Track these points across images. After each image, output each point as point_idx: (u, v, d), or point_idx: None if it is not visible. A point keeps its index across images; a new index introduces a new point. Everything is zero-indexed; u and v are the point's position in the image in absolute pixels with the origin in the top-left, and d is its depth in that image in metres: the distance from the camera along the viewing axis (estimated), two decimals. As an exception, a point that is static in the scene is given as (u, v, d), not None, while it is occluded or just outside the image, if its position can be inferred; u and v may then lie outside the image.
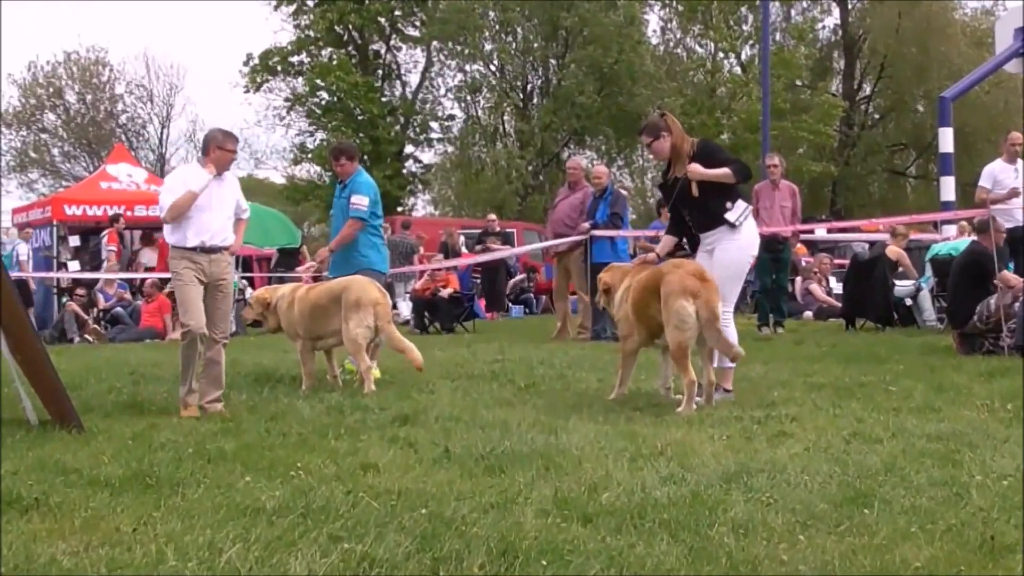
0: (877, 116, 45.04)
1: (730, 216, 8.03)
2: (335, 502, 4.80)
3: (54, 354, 7.90)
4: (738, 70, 41.55)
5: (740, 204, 8.11)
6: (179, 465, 5.73)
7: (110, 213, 20.72)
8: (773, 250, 14.31)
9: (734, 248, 8.14)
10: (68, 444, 6.49)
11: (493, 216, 26.05)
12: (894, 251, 15.44)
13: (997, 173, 13.16)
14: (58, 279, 20.51)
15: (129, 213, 21.06)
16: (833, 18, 44.16)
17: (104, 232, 20.27)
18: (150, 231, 21.12)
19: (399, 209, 39.17)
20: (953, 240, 16.07)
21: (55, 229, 21.21)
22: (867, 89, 44.74)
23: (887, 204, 42.49)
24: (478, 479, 5.28)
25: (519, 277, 26.02)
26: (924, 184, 43.77)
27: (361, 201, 10.44)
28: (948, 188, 21.87)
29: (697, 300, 7.39)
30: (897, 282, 15.76)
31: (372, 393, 8.77)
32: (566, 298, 15.80)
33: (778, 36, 40.33)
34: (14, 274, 16.35)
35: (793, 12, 42.67)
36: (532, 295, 26.16)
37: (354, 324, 9.09)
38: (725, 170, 7.94)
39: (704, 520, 4.39)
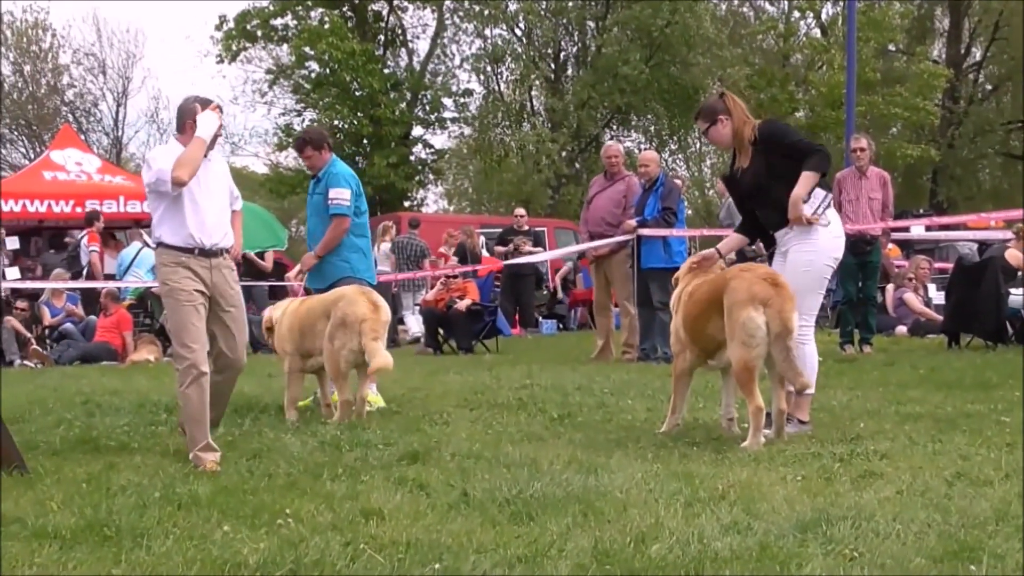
0: (989, 87, 44.92)
1: (808, 207, 8.03)
2: (331, 556, 4.83)
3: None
4: (817, 33, 41.43)
5: (818, 193, 8.12)
6: (143, 512, 5.75)
7: (88, 209, 20.81)
8: (860, 252, 14.15)
9: (812, 249, 8.14)
10: (8, 489, 6.48)
11: (522, 211, 25.95)
12: (1015, 255, 15.33)
13: None
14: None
15: (79, 210, 21.11)
16: (935, -31, 44.10)
17: (83, 232, 20.34)
18: (109, 231, 21.17)
19: (406, 204, 39.25)
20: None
21: (-11, 230, 21.26)
22: (977, 54, 44.60)
23: (1001, 195, 42.31)
24: (502, 528, 5.30)
25: (565, 270, 26.07)
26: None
27: (341, 195, 10.54)
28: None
29: (768, 309, 7.38)
30: (1013, 291, 15.71)
31: (363, 423, 8.92)
32: (608, 311, 15.74)
33: (867, -8, 40.29)
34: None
35: (886, -38, 42.61)
36: (567, 307, 26.23)
37: (337, 345, 9.26)
38: (804, 175, 7.96)
39: (775, 577, 4.42)
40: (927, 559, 4.61)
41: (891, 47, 40.66)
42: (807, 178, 7.93)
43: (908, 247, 22.41)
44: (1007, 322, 15.28)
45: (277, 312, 10.14)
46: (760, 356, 7.47)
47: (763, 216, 8.37)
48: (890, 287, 19.13)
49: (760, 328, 7.37)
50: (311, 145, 10.85)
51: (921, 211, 30.95)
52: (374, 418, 9.23)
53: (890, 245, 20.56)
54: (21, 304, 19.36)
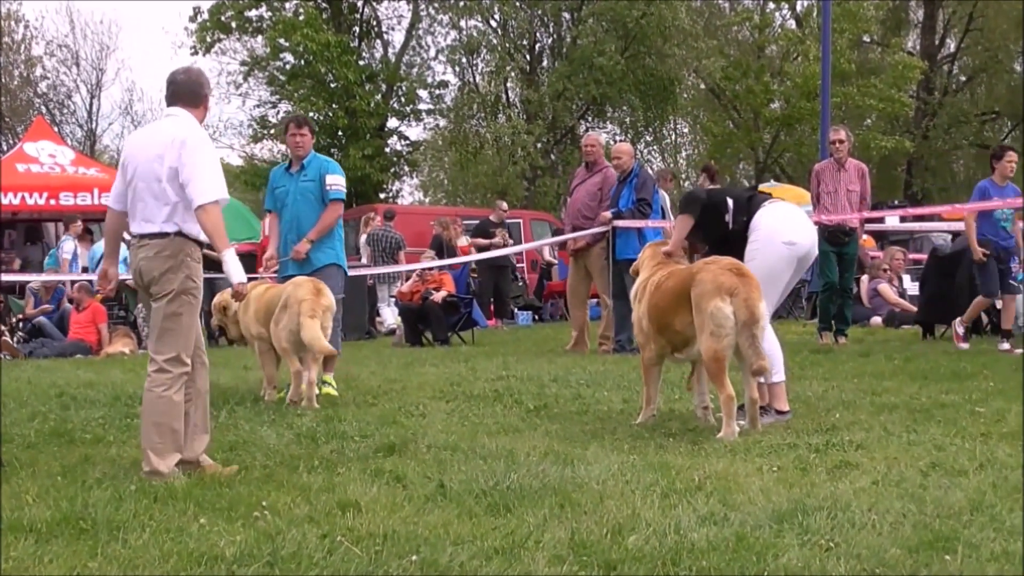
0: (964, 79, 45.08)
1: (728, 219, 8.51)
2: (308, 548, 4.84)
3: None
4: (792, 24, 41.54)
5: (728, 204, 8.55)
6: (119, 505, 5.75)
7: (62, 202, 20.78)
8: (838, 243, 14.19)
9: (763, 239, 8.35)
10: (-16, 481, 6.52)
11: (504, 204, 25.90)
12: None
13: None
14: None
15: (53, 202, 21.02)
16: (909, -42, 44.23)
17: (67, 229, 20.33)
18: (83, 224, 21.06)
19: (382, 196, 39.20)
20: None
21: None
22: (951, 46, 44.74)
23: (972, 188, 42.40)
24: (479, 520, 5.32)
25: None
26: (1022, 161, 43.66)
27: (339, 181, 10.83)
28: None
29: (735, 299, 7.45)
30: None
31: (296, 400, 9.38)
32: (584, 303, 15.71)
33: (842, -18, 40.37)
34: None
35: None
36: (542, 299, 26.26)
37: (281, 325, 9.80)
38: (678, 221, 8.80)
39: (751, 568, 4.44)
40: (902, 549, 4.64)
41: (866, 38, 40.77)
42: (678, 225, 8.85)
43: (883, 238, 22.48)
44: (982, 313, 15.35)
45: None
46: (729, 346, 7.52)
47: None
48: (865, 278, 19.15)
49: (729, 318, 7.44)
50: (309, 126, 11.16)
51: (896, 202, 31.09)
52: (350, 410, 9.22)
53: (864, 236, 20.62)
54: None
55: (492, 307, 23.21)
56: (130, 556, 4.79)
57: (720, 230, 8.54)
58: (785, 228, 8.40)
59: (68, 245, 20.45)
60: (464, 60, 41.94)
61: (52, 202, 21.00)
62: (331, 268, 10.73)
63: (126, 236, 7.36)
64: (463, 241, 23.35)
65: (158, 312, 6.96)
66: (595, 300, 16.18)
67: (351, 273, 15.39)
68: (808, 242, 8.56)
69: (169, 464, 6.71)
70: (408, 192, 46.57)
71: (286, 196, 10.99)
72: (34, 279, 20.11)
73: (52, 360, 16.62)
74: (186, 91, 7.26)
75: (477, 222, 24.93)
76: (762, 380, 8.03)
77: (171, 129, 7.04)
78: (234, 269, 7.13)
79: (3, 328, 18.56)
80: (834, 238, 13.89)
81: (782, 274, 8.41)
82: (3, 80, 45.33)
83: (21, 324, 19.21)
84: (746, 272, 7.66)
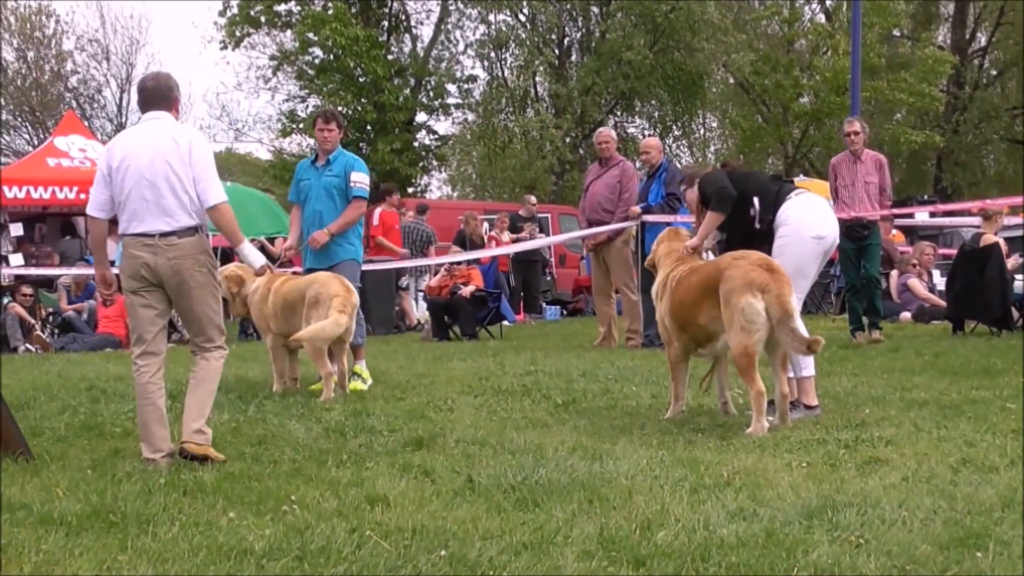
0: (995, 73, 44.86)
1: (758, 224, 8.50)
2: (337, 542, 4.84)
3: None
4: (822, 18, 41.42)
5: (755, 203, 8.51)
6: (148, 499, 5.77)
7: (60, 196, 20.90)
8: (857, 237, 13.97)
9: (790, 234, 8.35)
10: (14, 475, 6.52)
11: (532, 199, 25.90)
12: (989, 239, 15.18)
13: None
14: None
15: (83, 196, 21.06)
16: (940, -48, 44.01)
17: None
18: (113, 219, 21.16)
19: (410, 190, 39.19)
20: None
21: (-10, 215, 21.32)
22: (982, 40, 44.53)
23: (1006, 181, 42.26)
24: (507, 515, 5.32)
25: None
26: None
27: (363, 179, 10.91)
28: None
29: (766, 295, 7.44)
30: (1018, 277, 15.69)
31: (329, 401, 9.32)
32: (610, 298, 15.70)
33: (873, -23, 40.20)
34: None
35: (891, -54, 42.48)
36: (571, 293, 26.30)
37: (316, 322, 9.79)
38: (705, 221, 8.64)
39: (780, 564, 4.43)
40: (933, 546, 4.62)
41: (896, 32, 40.59)
42: (705, 223, 8.65)
43: (913, 233, 22.39)
44: (1012, 308, 15.28)
45: (252, 284, 10.66)
46: (760, 341, 7.52)
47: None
48: (894, 273, 19.09)
49: (760, 314, 7.44)
50: (337, 121, 11.25)
51: (926, 197, 30.94)
52: (378, 404, 9.23)
53: (894, 231, 20.55)
54: (27, 290, 19.36)
55: (521, 302, 23.21)
56: (160, 549, 4.81)
57: (745, 227, 8.54)
58: (813, 221, 8.42)
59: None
60: (493, 54, 41.95)
61: (83, 196, 20.96)
62: (349, 263, 10.89)
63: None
64: (506, 236, 23.34)
65: (199, 303, 7.24)
66: (618, 294, 16.12)
67: (381, 267, 15.44)
68: (834, 234, 8.61)
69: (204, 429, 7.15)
70: (436, 186, 46.73)
71: (309, 189, 11.06)
72: (59, 272, 20.22)
73: (82, 354, 16.71)
74: (159, 95, 7.44)
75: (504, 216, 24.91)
76: (791, 374, 8.06)
77: (169, 131, 7.24)
78: (252, 256, 7.73)
79: (34, 322, 18.69)
80: (852, 232, 13.70)
81: (810, 267, 8.44)
82: (34, 75, 45.57)
83: (51, 318, 19.32)
84: (776, 268, 7.65)
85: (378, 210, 20.50)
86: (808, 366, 8.41)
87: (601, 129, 17.69)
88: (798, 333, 7.49)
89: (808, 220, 8.40)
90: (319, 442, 7.54)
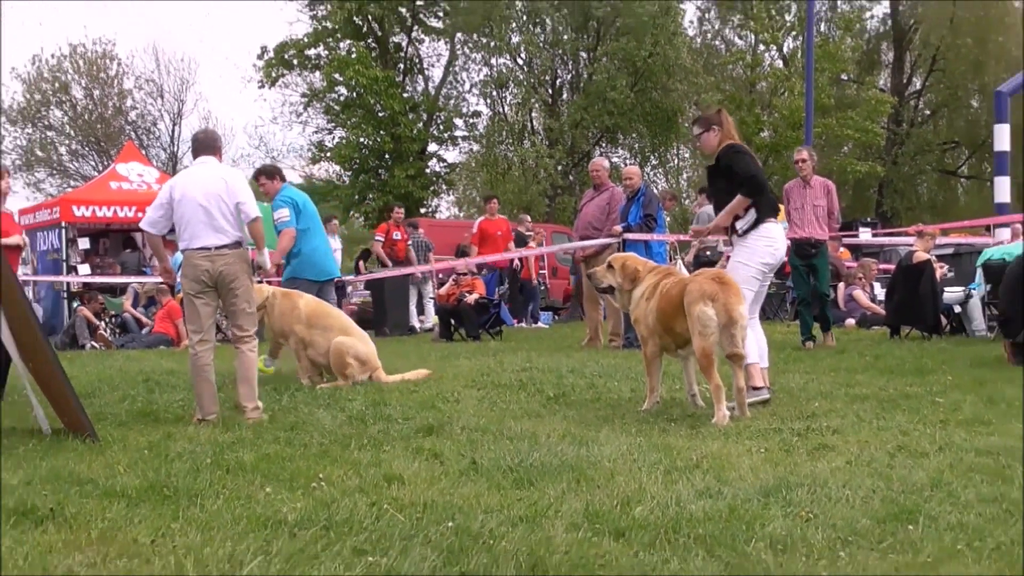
0: (928, 112, 44.82)
1: (738, 224, 8.57)
2: (358, 515, 4.85)
3: (65, 361, 7.96)
4: (780, 64, 41.33)
5: (751, 215, 8.51)
6: (197, 476, 5.78)
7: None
8: (806, 255, 13.82)
9: (746, 252, 8.56)
10: (82, 454, 6.55)
11: (527, 218, 25.89)
12: (920, 255, 15.20)
13: None
14: (68, 283, 20.68)
15: (140, 215, 21.09)
16: (882, 7, 43.98)
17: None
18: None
19: (422, 211, 39.18)
20: (1007, 244, 15.92)
21: (64, 231, 21.34)
22: (918, 84, 44.53)
23: (937, 206, 42.27)
24: (506, 492, 5.32)
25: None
26: (977, 185, 43.46)
27: (282, 214, 11.42)
28: (1003, 189, 21.68)
29: (715, 303, 7.56)
30: (948, 289, 15.71)
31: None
32: (598, 304, 15.69)
33: (823, 27, 40.19)
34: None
35: (839, 1, 42.46)
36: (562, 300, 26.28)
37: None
38: (732, 203, 8.51)
39: (741, 536, 4.43)
40: (872, 520, 4.64)
41: (843, 76, 40.60)
42: (731, 206, 8.53)
43: (857, 250, 22.41)
44: (942, 316, 15.31)
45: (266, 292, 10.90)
46: (715, 343, 7.62)
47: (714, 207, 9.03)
48: (841, 285, 19.12)
49: (712, 319, 7.56)
50: (264, 175, 11.94)
51: (868, 220, 30.94)
52: (394, 396, 9.24)
53: (841, 249, 20.57)
54: (100, 298, 19.45)
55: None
56: (206, 519, 4.82)
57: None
58: (767, 251, 8.59)
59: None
60: (494, 93, 41.94)
61: (140, 215, 20.94)
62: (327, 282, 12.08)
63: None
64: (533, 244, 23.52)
65: (241, 300, 8.30)
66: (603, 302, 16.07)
67: (392, 274, 15.64)
68: (781, 257, 8.89)
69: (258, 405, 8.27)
70: (445, 207, 46.54)
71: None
72: (121, 281, 20.23)
73: (139, 351, 16.72)
74: (208, 145, 8.59)
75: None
76: (751, 363, 8.17)
77: (217, 171, 8.37)
78: (265, 260, 8.93)
79: (99, 324, 18.72)
80: (802, 251, 13.60)
81: (755, 283, 8.56)
82: (99, 110, 45.59)
83: (112, 319, 19.36)
84: (727, 280, 7.79)
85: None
86: (763, 358, 8.58)
87: (596, 159, 17.68)
88: (734, 339, 7.60)
89: (765, 249, 8.58)
90: (343, 428, 7.55)
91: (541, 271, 26.16)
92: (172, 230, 8.68)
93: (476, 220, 21.50)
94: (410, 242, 22.14)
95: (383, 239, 21.85)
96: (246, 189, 8.38)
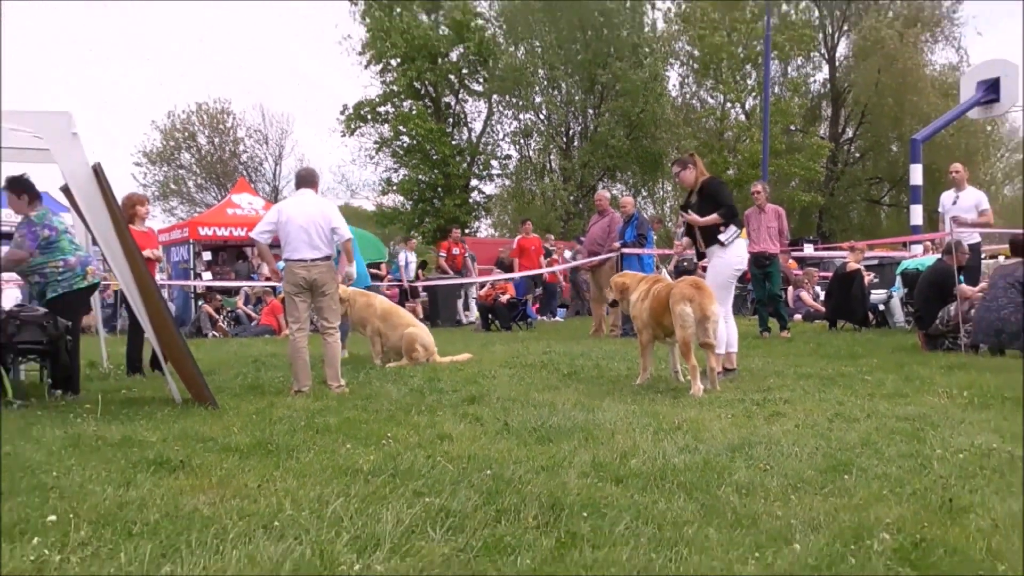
0: (858, 155, 44.37)
1: (721, 236, 8.54)
2: (417, 465, 4.86)
3: (192, 347, 8.01)
4: (742, 117, 41.08)
5: (732, 228, 8.53)
6: (293, 435, 5.81)
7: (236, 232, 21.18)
8: (762, 265, 13.73)
9: (722, 262, 8.56)
10: (205, 418, 6.60)
11: (551, 236, 25.92)
12: (852, 265, 15.20)
13: (943, 198, 13.29)
14: (195, 287, 20.82)
15: (250, 233, 21.29)
16: (823, 73, 43.59)
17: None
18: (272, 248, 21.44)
19: (466, 231, 39.23)
20: (920, 257, 15.85)
21: (191, 247, 21.50)
22: (850, 133, 44.13)
23: (865, 228, 42.02)
24: (531, 447, 5.32)
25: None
26: (896, 211, 42.98)
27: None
28: (917, 215, 21.58)
29: (692, 304, 7.61)
30: (873, 291, 15.69)
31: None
32: (601, 303, 15.70)
33: (776, 89, 39.86)
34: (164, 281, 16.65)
35: (789, 68, 42.15)
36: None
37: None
38: (714, 216, 8.53)
39: (713, 482, 4.42)
40: (815, 471, 4.62)
41: (792, 127, 40.28)
42: (713, 218, 8.57)
43: (803, 262, 22.23)
44: (869, 313, 15.25)
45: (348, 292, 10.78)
46: (692, 334, 7.65)
47: (699, 238, 8.82)
48: (791, 288, 19.03)
49: (689, 316, 7.62)
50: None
51: (811, 238, 30.74)
52: (445, 373, 9.24)
53: (791, 260, 20.48)
54: (219, 298, 19.58)
55: (536, 306, 23.16)
56: (300, 469, 4.84)
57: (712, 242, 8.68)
58: (737, 260, 8.64)
59: (402, 256, 22.43)
60: (522, 141, 41.82)
61: (249, 233, 21.19)
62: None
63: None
64: (568, 254, 23.49)
65: (329, 300, 8.35)
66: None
67: (447, 282, 15.61)
68: (745, 265, 8.93)
69: (341, 382, 8.29)
70: (484, 228, 46.46)
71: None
72: (235, 285, 20.34)
73: (249, 339, 16.81)
74: (308, 180, 8.56)
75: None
76: (719, 352, 8.20)
77: (316, 202, 8.39)
78: (353, 271, 9.04)
79: (218, 318, 18.84)
80: (758, 262, 13.53)
81: (729, 286, 8.60)
82: (218, 153, 45.95)
83: (228, 314, 19.50)
84: (702, 286, 7.82)
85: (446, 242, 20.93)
86: (733, 346, 8.61)
87: (599, 191, 17.70)
88: (707, 332, 7.64)
89: (734, 259, 8.61)
90: (406, 398, 7.57)
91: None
92: (274, 244, 8.72)
93: (516, 237, 21.46)
94: (467, 254, 22.23)
95: (445, 255, 21.94)
96: (339, 216, 8.41)
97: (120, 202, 10.66)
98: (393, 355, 10.67)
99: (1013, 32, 64.38)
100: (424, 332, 10.70)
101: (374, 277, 22.54)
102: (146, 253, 9.56)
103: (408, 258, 22.62)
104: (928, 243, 16.73)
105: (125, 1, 67.81)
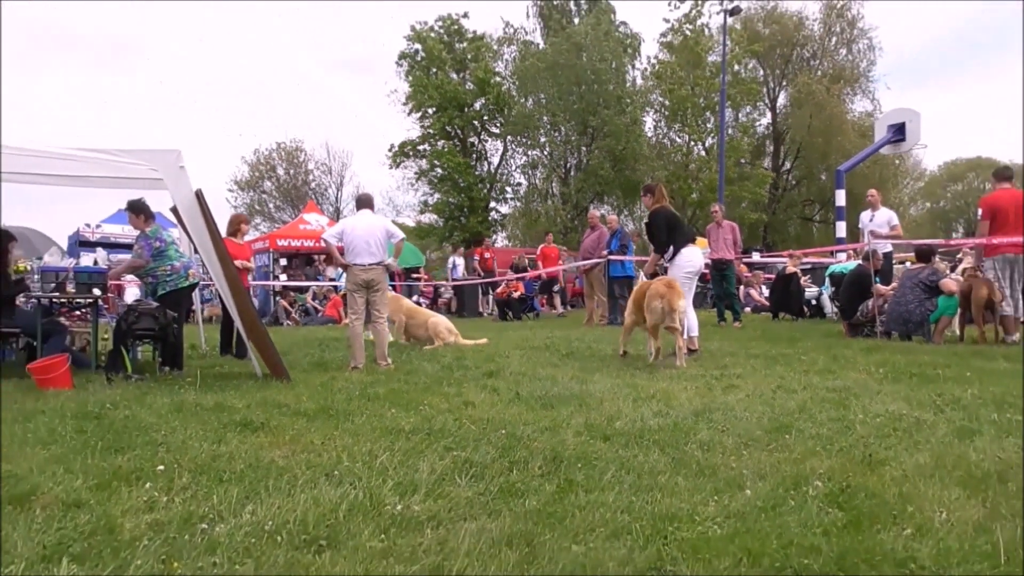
0: (794, 182, 44.14)
1: (663, 262, 8.59)
2: (448, 426, 4.84)
3: (271, 332, 8.02)
4: (703, 153, 40.90)
5: (668, 252, 8.48)
6: (350, 402, 5.78)
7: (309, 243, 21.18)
8: (720, 269, 13.64)
9: (674, 269, 8.51)
10: (280, 388, 6.58)
11: (550, 236, 25.83)
12: (791, 268, 15.23)
13: (862, 216, 13.17)
14: (273, 286, 20.87)
15: (318, 244, 21.35)
16: (766, 119, 43.51)
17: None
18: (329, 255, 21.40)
19: (486, 242, 39.20)
20: (844, 263, 15.74)
21: (271, 254, 21.53)
22: (788, 165, 43.94)
23: (800, 239, 41.83)
24: (537, 412, 5.29)
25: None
26: (825, 227, 42.61)
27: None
28: (841, 229, 21.65)
29: (662, 299, 7.61)
30: (807, 289, 15.62)
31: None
32: (594, 298, 15.69)
33: (730, 131, 39.65)
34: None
35: (740, 114, 42.02)
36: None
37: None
38: (652, 259, 8.61)
39: (681, 440, 4.38)
40: (763, 431, 4.57)
41: (742, 160, 40.10)
42: (651, 259, 8.62)
43: (752, 266, 22.14)
44: (803, 306, 15.17)
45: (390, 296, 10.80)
46: (659, 322, 7.71)
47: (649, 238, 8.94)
48: (742, 287, 18.93)
49: (658, 308, 7.64)
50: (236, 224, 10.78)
51: (758, 248, 30.61)
52: (469, 354, 9.22)
53: (742, 265, 20.36)
54: (292, 295, 19.61)
55: (543, 300, 23.09)
56: (355, 429, 4.83)
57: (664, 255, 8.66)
58: (688, 265, 8.54)
59: (451, 260, 22.57)
60: (529, 171, 41.85)
61: (317, 244, 21.24)
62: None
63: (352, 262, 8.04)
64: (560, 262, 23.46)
65: (380, 296, 8.31)
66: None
67: (478, 282, 15.52)
68: (699, 268, 8.71)
69: (388, 360, 8.17)
70: (500, 240, 46.39)
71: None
72: (305, 285, 20.35)
73: (315, 327, 16.83)
74: (367, 203, 8.58)
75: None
76: (686, 337, 8.17)
77: (375, 219, 8.39)
78: (393, 266, 8.98)
79: (292, 310, 18.87)
80: (717, 266, 13.53)
81: (686, 284, 8.44)
82: (293, 181, 46.10)
83: (299, 308, 19.52)
84: (673, 284, 7.80)
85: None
86: (694, 329, 8.59)
87: (591, 211, 17.70)
88: (673, 320, 7.64)
89: (684, 264, 8.53)
90: (438, 373, 7.54)
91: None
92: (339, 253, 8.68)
93: (539, 246, 21.42)
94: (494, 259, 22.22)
95: (478, 259, 21.92)
96: (393, 225, 8.55)
97: (228, 219, 10.73)
98: (420, 342, 10.71)
99: (915, 86, 64.26)
100: (444, 319, 10.84)
101: (414, 280, 22.60)
102: (240, 264, 9.58)
103: (456, 262, 22.63)
104: (850, 251, 16.60)
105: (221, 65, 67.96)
